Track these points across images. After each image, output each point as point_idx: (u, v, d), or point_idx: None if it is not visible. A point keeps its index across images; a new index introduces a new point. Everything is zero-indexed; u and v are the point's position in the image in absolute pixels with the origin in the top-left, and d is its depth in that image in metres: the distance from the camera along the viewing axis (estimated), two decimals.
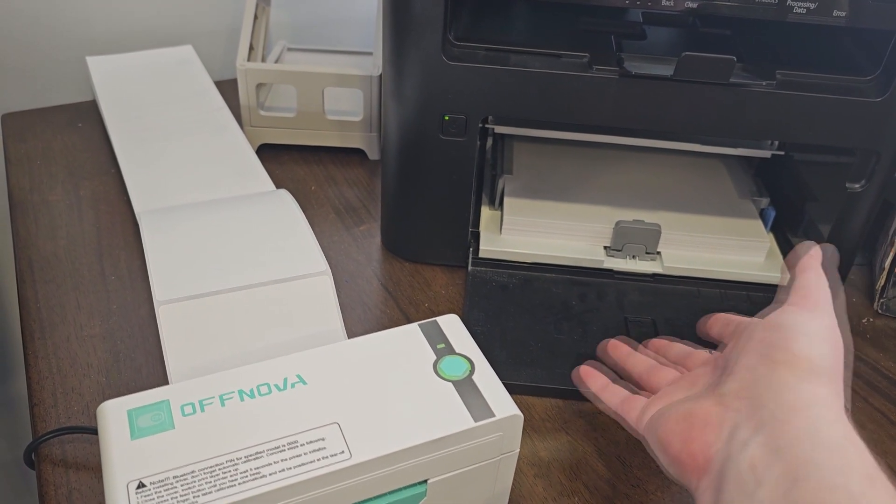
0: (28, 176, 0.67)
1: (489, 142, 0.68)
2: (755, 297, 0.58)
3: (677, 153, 0.65)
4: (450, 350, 0.41)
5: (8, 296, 0.93)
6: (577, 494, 0.44)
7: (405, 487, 0.37)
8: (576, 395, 0.50)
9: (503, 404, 0.38)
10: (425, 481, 0.38)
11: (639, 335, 0.54)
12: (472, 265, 0.59)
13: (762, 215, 0.62)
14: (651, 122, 0.52)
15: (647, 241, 0.59)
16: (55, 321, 0.53)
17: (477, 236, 0.60)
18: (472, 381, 0.39)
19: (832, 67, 0.51)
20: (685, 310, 0.56)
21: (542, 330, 0.54)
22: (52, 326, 0.53)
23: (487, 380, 0.39)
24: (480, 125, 0.53)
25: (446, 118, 0.52)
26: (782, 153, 0.61)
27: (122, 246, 0.60)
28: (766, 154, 0.62)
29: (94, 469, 0.44)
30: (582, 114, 0.52)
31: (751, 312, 0.56)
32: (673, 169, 0.66)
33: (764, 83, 0.49)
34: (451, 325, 0.42)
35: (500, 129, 0.62)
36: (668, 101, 0.50)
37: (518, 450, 0.40)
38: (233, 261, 0.46)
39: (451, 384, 0.39)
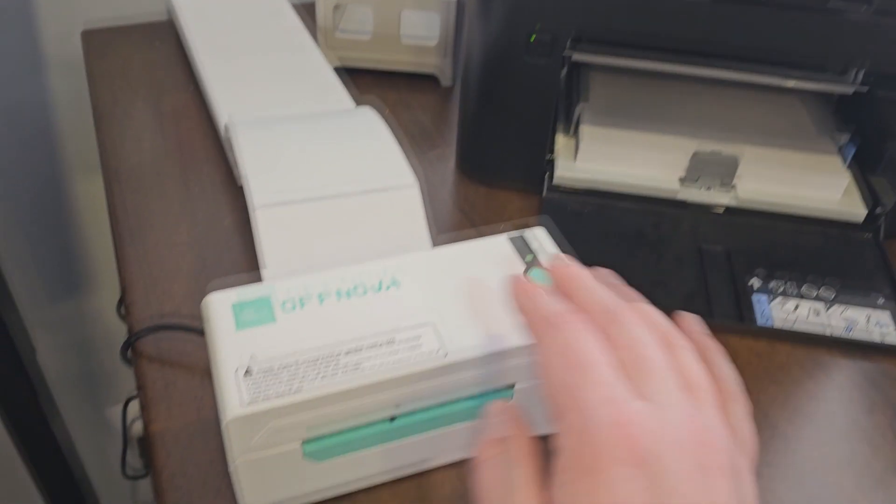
0: (110, 91, 0.69)
1: (564, 71, 0.68)
2: (830, 233, 0.58)
3: (756, 88, 0.64)
4: (538, 261, 0.41)
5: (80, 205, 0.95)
6: None
7: (493, 392, 0.39)
8: None
9: None
10: (513, 386, 0.39)
11: (712, 265, 0.54)
12: (546, 191, 0.59)
13: (841, 152, 0.61)
14: (742, 47, 0.51)
15: (724, 172, 0.58)
16: (144, 228, 0.55)
17: (552, 163, 0.60)
18: None
19: None
20: (759, 243, 0.56)
21: (615, 256, 0.54)
22: (141, 233, 0.55)
23: None
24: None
25: (532, 38, 0.52)
26: (866, 88, 0.60)
27: (205, 160, 0.61)
28: (849, 90, 0.61)
29: (187, 365, 0.46)
30: (672, 34, 0.51)
31: (825, 249, 0.57)
32: (751, 103, 0.65)
33: (863, 8, 0.48)
34: (540, 238, 0.43)
35: (577, 57, 0.61)
36: (761, 26, 0.50)
37: None
38: (324, 170, 0.47)
39: None
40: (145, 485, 1.25)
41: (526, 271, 0.41)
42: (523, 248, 0.42)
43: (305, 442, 0.36)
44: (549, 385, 0.27)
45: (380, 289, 0.39)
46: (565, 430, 0.25)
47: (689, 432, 0.25)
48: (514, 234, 0.43)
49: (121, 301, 1.01)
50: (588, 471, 0.24)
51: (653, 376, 0.26)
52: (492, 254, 0.42)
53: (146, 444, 0.42)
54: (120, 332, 1.06)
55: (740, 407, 0.29)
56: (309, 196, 0.45)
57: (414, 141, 0.66)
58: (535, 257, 0.42)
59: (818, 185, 0.59)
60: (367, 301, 0.39)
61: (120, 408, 1.12)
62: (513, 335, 0.37)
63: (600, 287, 0.31)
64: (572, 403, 0.25)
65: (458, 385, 0.37)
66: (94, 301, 1.03)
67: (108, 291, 1.03)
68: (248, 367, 0.35)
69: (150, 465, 0.42)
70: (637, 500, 0.23)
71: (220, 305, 0.38)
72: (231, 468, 0.35)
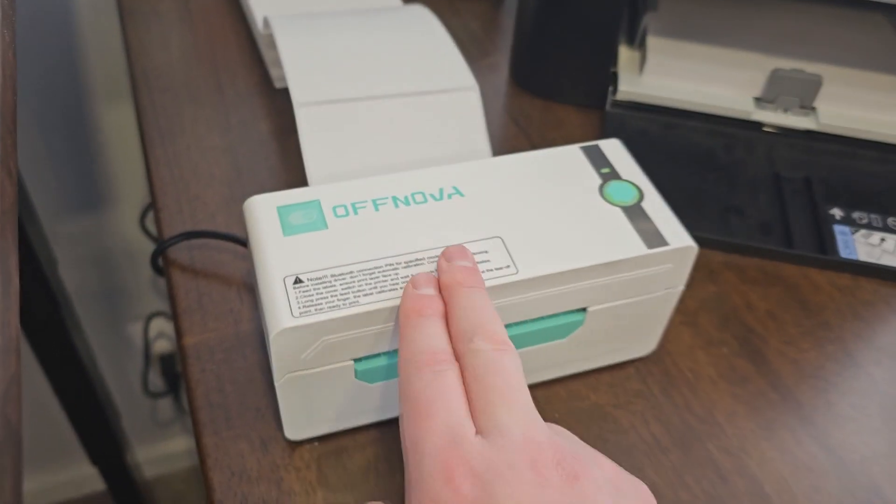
0: None
1: None
2: None
3: (841, 3, 0.58)
4: (615, 175, 0.37)
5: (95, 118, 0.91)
6: (726, 345, 0.41)
7: (564, 313, 0.35)
8: (723, 245, 0.46)
9: (677, 234, 0.35)
10: (585, 309, 0.35)
11: (791, 192, 0.50)
12: (609, 106, 0.54)
13: None
14: None
15: (804, 93, 0.53)
16: (174, 130, 0.51)
17: (615, 76, 0.55)
18: (641, 208, 0.36)
19: None
20: (841, 171, 0.52)
21: (685, 179, 0.50)
22: (171, 135, 0.51)
23: (658, 208, 0.36)
24: None
25: None
26: None
27: (238, 62, 0.57)
28: None
29: (223, 276, 0.43)
30: None
31: None
32: (834, 22, 0.60)
33: None
34: (615, 151, 0.39)
35: None
36: None
37: (683, 287, 0.37)
38: (375, 69, 0.43)
39: (619, 209, 0.35)
40: (165, 403, 1.25)
41: (603, 186, 0.36)
42: (599, 159, 0.38)
43: (358, 360, 0.32)
44: (401, 427, 0.28)
45: (441, 197, 0.35)
46: (408, 477, 0.26)
47: (525, 454, 0.25)
48: (588, 144, 0.39)
49: (144, 214, 0.98)
50: None
51: (499, 402, 0.26)
52: (563, 164, 0.37)
53: (179, 358, 0.39)
54: (141, 248, 1.03)
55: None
56: (357, 95, 0.41)
57: (464, 49, 0.61)
58: (612, 170, 0.37)
59: None
60: (428, 210, 0.35)
61: (140, 325, 1.11)
62: (587, 253, 0.33)
63: (473, 305, 0.30)
64: (413, 453, 0.26)
65: (527, 306, 0.33)
66: (115, 215, 1.00)
67: (129, 207, 1.00)
68: (297, 276, 0.31)
69: (183, 379, 0.39)
70: None
71: (265, 208, 0.34)
72: (276, 385, 0.32)
